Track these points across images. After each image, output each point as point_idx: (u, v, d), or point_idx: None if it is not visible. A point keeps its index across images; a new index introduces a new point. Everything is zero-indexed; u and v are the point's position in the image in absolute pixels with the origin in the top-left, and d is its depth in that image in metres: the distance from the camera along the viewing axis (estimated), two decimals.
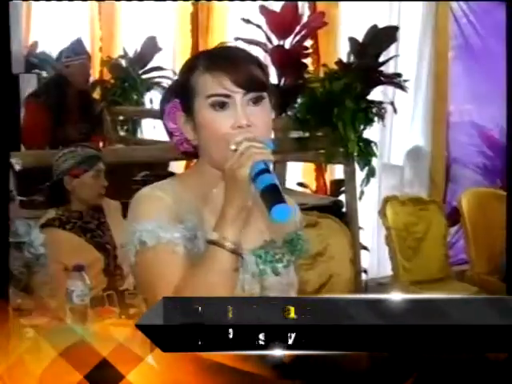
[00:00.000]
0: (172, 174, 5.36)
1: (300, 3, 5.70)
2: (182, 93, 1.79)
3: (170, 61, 7.53)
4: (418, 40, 6.23)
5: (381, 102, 5.24)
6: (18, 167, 3.48)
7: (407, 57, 6.08)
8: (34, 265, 3.42)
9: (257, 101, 1.75)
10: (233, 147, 1.66)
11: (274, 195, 1.61)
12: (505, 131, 6.80)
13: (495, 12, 6.84)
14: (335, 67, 5.18)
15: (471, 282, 5.72)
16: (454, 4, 6.44)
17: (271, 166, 1.67)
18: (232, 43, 1.73)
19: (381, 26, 5.38)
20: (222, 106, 1.72)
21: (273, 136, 5.75)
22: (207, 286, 1.64)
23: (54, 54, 7.00)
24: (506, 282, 5.53)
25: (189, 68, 1.79)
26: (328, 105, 5.02)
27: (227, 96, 1.72)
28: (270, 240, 1.85)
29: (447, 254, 5.78)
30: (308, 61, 5.71)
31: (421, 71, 6.22)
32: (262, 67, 1.81)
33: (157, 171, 5.52)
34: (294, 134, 5.43)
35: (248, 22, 5.44)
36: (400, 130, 6.26)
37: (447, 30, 6.33)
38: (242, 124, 1.71)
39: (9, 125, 5.54)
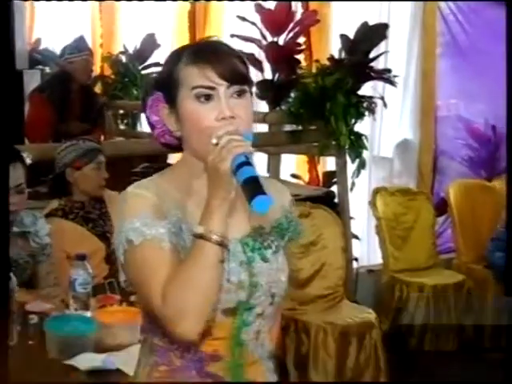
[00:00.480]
0: (170, 166, 5.40)
1: (293, 2, 5.70)
2: (165, 85, 1.76)
3: None
4: (407, 37, 6.23)
5: (371, 97, 5.25)
6: (28, 161, 3.46)
7: (397, 53, 6.07)
8: (39, 254, 3.41)
9: (240, 94, 1.73)
10: (214, 141, 1.65)
11: (254, 187, 1.60)
12: (489, 125, 6.85)
13: (482, 10, 6.85)
14: (327, 63, 5.18)
15: (458, 269, 5.75)
16: (442, 3, 6.44)
17: (252, 158, 1.64)
18: (217, 38, 1.69)
19: (371, 23, 5.39)
20: (206, 97, 1.70)
21: (266, 129, 5.74)
22: (196, 280, 1.63)
23: (57, 50, 7.02)
24: (504, 281, 5.58)
25: (173, 60, 1.76)
26: (320, 99, 5.03)
27: (212, 88, 1.70)
28: (258, 226, 1.83)
29: (435, 242, 5.81)
30: (301, 57, 5.71)
31: (409, 67, 6.22)
32: (244, 61, 1.79)
33: (156, 163, 5.52)
34: (288, 128, 5.44)
35: (243, 19, 5.44)
36: (389, 123, 6.27)
37: (435, 27, 6.33)
38: (226, 116, 1.69)
39: (13, 119, 5.60)
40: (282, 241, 1.88)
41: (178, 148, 1.84)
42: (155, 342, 1.78)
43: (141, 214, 1.68)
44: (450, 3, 6.58)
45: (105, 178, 3.78)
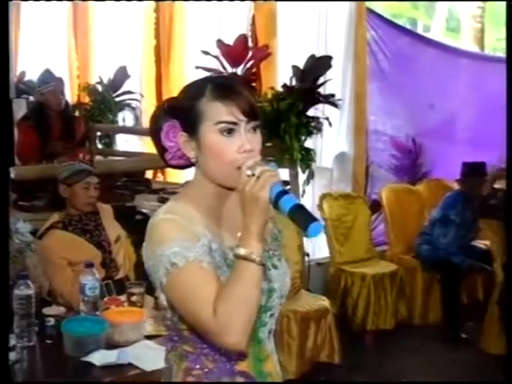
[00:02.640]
0: (148, 180, 5.29)
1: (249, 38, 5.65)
2: (186, 115, 1.67)
3: (138, 86, 7.42)
4: (342, 65, 6.20)
5: (318, 118, 5.22)
6: (12, 176, 3.41)
7: (334, 79, 6.05)
8: (25, 251, 3.38)
9: (255, 128, 1.67)
10: (249, 172, 1.59)
11: (304, 215, 1.56)
12: (410, 138, 6.91)
13: (398, 40, 6.91)
14: (281, 89, 5.14)
15: (391, 260, 5.77)
16: (368, 34, 6.46)
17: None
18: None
19: (311, 54, 5.38)
20: (229, 131, 1.63)
21: None
22: (243, 296, 1.57)
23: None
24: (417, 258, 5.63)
25: (195, 94, 1.67)
26: (276, 120, 5.00)
27: (235, 123, 1.63)
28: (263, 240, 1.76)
29: (371, 238, 5.81)
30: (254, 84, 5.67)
31: (345, 90, 6.19)
32: (255, 98, 1.73)
33: (134, 177, 5.43)
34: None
35: (207, 53, 5.38)
36: (329, 139, 6.24)
37: (365, 56, 6.33)
38: (247, 149, 1.63)
39: (4, 143, 5.47)
40: (280, 248, 1.84)
41: (183, 168, 1.78)
42: (185, 348, 1.71)
43: (177, 237, 1.60)
44: (374, 33, 6.61)
45: (94, 197, 3.65)
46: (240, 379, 1.71)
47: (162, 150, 1.75)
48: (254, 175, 1.58)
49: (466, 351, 5.07)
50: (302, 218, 1.55)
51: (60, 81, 5.84)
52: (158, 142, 1.75)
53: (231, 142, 1.63)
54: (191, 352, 1.70)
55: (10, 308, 2.70)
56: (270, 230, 1.83)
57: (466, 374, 4.68)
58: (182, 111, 1.70)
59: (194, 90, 1.70)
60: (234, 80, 1.78)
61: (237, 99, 1.64)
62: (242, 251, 1.58)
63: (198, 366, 1.70)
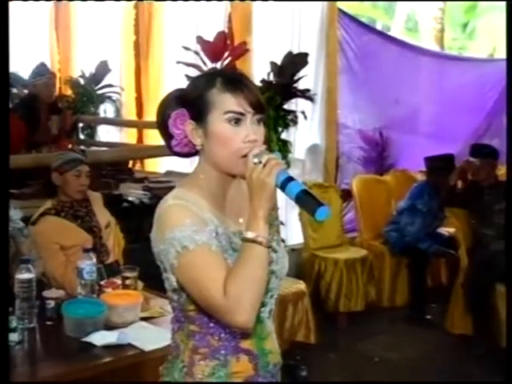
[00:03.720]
0: (130, 170, 5.23)
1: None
2: (194, 104, 1.67)
3: (118, 79, 7.35)
4: (315, 61, 6.20)
5: (294, 111, 5.22)
6: None
7: (307, 75, 6.05)
8: (19, 236, 3.35)
9: (259, 121, 1.68)
10: (255, 160, 1.59)
11: (311, 199, 1.56)
12: (377, 131, 6.96)
13: (362, 36, 6.94)
14: (259, 84, 5.12)
15: (361, 245, 5.81)
16: (339, 34, 6.47)
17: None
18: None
19: (287, 51, 5.37)
20: (236, 121, 1.64)
21: None
22: (252, 277, 1.58)
23: (21, 74, 6.77)
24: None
25: (205, 84, 1.67)
26: None
27: (242, 114, 1.64)
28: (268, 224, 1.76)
29: (342, 225, 5.84)
30: None
31: (317, 85, 6.20)
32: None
33: (117, 167, 5.39)
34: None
35: (187, 49, 5.33)
36: (302, 131, 6.25)
37: (335, 53, 6.35)
38: (252, 139, 1.64)
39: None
40: (276, 233, 1.84)
41: (185, 155, 1.78)
42: (192, 328, 1.71)
43: (187, 222, 1.60)
44: (345, 34, 6.64)
45: (84, 185, 3.61)
46: (244, 356, 1.72)
47: (168, 137, 1.75)
48: (260, 163, 1.59)
49: (430, 331, 5.14)
50: (309, 203, 1.55)
51: (53, 74, 5.78)
52: (164, 129, 1.74)
53: (238, 132, 1.64)
54: (198, 331, 1.70)
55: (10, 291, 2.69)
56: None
57: (431, 352, 4.75)
58: (191, 100, 1.69)
59: (205, 81, 1.69)
60: (242, 74, 1.78)
61: (245, 92, 1.65)
62: (249, 234, 1.59)
63: (204, 344, 1.70)
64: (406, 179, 6.27)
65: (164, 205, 1.67)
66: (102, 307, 2.71)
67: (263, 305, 1.73)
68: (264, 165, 1.58)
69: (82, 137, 6.69)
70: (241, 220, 1.75)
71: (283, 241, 5.35)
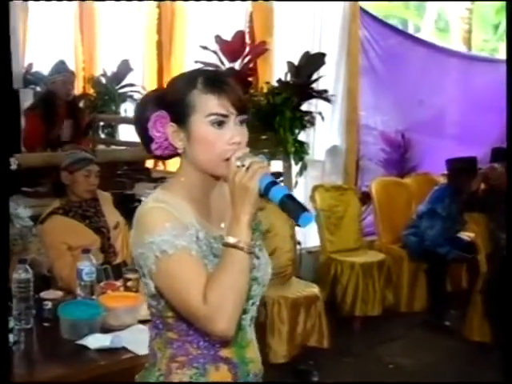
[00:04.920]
0: (148, 169, 5.21)
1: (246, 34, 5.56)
2: (175, 106, 1.60)
3: (140, 79, 7.35)
4: (335, 61, 6.12)
5: (311, 112, 5.14)
6: (14, 166, 3.35)
7: (327, 75, 5.96)
8: (28, 236, 3.30)
9: (242, 122, 1.61)
10: (238, 163, 1.53)
11: (295, 205, 1.50)
12: (399, 132, 6.84)
13: (389, 39, 6.83)
14: (276, 84, 5.05)
15: (379, 249, 5.71)
16: (361, 33, 6.37)
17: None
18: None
19: (306, 51, 5.28)
20: (219, 124, 1.57)
21: None
22: (233, 284, 1.51)
23: (45, 72, 6.78)
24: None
25: (186, 86, 1.60)
26: (271, 114, 4.91)
27: (225, 116, 1.57)
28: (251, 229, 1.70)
29: (361, 228, 5.74)
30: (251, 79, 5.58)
31: (338, 86, 6.10)
32: (244, 93, 1.68)
33: (134, 166, 5.35)
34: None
35: (205, 48, 5.29)
36: (321, 132, 6.16)
37: (357, 53, 6.25)
38: (236, 141, 1.57)
39: (11, 131, 5.40)
40: (260, 238, 1.77)
41: (165, 158, 1.72)
42: (170, 336, 1.65)
43: (167, 226, 1.54)
44: (366, 33, 6.53)
45: (94, 184, 3.58)
46: (223, 365, 1.65)
47: (147, 139, 1.67)
48: (243, 166, 1.52)
49: (449, 338, 5.02)
50: (292, 208, 1.50)
51: (72, 73, 5.78)
52: (143, 131, 1.67)
53: (221, 134, 1.57)
54: (176, 339, 1.64)
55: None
56: None
57: (447, 360, 4.63)
58: (171, 102, 1.62)
59: (185, 82, 1.62)
60: (224, 73, 1.73)
61: (228, 92, 1.58)
62: (231, 240, 1.53)
63: (182, 353, 1.64)
64: (428, 182, 6.14)
65: (144, 207, 1.61)
66: (99, 309, 2.66)
67: (244, 312, 1.67)
68: (247, 168, 1.52)
69: (102, 135, 6.68)
70: (223, 225, 1.69)
71: (299, 243, 5.33)
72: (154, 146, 1.67)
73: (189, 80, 1.62)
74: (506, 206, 4.15)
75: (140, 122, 1.68)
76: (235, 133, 1.58)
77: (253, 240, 1.70)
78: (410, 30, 12.31)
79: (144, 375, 1.71)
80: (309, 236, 5.97)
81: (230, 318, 1.51)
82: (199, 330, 1.60)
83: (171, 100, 1.62)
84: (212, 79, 1.60)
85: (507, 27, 3.87)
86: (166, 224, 1.54)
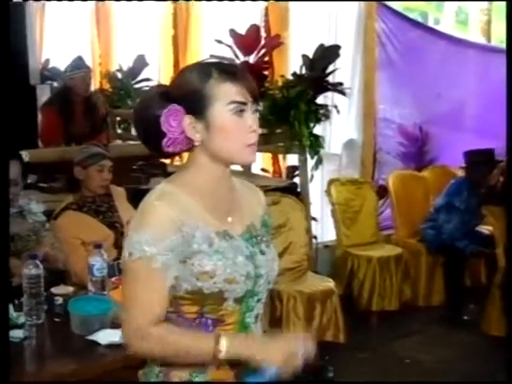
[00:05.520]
0: (163, 164, 5.20)
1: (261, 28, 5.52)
2: (190, 98, 1.58)
3: (156, 73, 7.33)
4: (352, 54, 6.07)
5: (327, 105, 5.08)
6: (26, 159, 3.37)
7: (343, 68, 5.90)
8: (41, 231, 3.29)
9: (255, 111, 1.62)
10: None
11: None
12: (417, 126, 6.76)
13: (409, 32, 6.75)
14: (291, 78, 5.01)
15: (396, 243, 5.65)
16: (379, 26, 6.31)
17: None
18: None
19: (322, 44, 5.22)
20: (240, 111, 1.58)
21: None
22: (174, 352, 1.59)
23: (62, 68, 6.79)
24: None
25: (200, 77, 1.58)
26: (286, 107, 4.85)
27: (245, 104, 1.58)
28: (250, 224, 1.70)
29: (378, 222, 5.69)
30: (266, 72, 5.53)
31: (354, 79, 6.07)
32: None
33: (149, 161, 5.33)
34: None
35: (220, 42, 5.24)
36: (338, 126, 6.11)
37: (374, 46, 6.19)
38: (254, 128, 1.60)
39: (28, 126, 5.41)
40: (268, 234, 1.75)
41: (175, 155, 1.72)
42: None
43: (150, 229, 1.53)
44: (384, 26, 6.46)
45: (107, 179, 3.56)
46: (224, 363, 1.62)
47: (155, 138, 1.61)
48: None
49: (466, 332, 4.96)
50: None
51: (90, 69, 5.77)
52: (151, 129, 1.61)
53: (242, 122, 1.59)
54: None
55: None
56: (259, 215, 1.76)
57: (464, 354, 4.57)
58: (186, 94, 1.59)
59: (199, 73, 1.60)
60: (235, 64, 1.72)
61: (244, 80, 1.59)
62: (222, 346, 1.55)
63: None
64: (446, 175, 6.07)
65: (147, 201, 1.59)
66: (109, 305, 2.64)
67: (249, 309, 1.65)
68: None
69: (118, 131, 6.66)
70: (230, 219, 1.66)
71: (315, 237, 5.30)
72: (167, 143, 1.61)
73: (202, 71, 1.60)
74: (506, 207, 4.07)
75: (146, 121, 1.62)
76: (253, 120, 1.60)
77: (259, 236, 1.69)
78: (430, 23, 12.21)
79: (145, 372, 1.70)
80: (325, 230, 5.94)
81: (144, 354, 1.62)
82: (202, 326, 1.59)
83: (186, 92, 1.59)
84: (227, 69, 1.61)
85: (507, 27, 3.81)
86: (148, 227, 1.53)
